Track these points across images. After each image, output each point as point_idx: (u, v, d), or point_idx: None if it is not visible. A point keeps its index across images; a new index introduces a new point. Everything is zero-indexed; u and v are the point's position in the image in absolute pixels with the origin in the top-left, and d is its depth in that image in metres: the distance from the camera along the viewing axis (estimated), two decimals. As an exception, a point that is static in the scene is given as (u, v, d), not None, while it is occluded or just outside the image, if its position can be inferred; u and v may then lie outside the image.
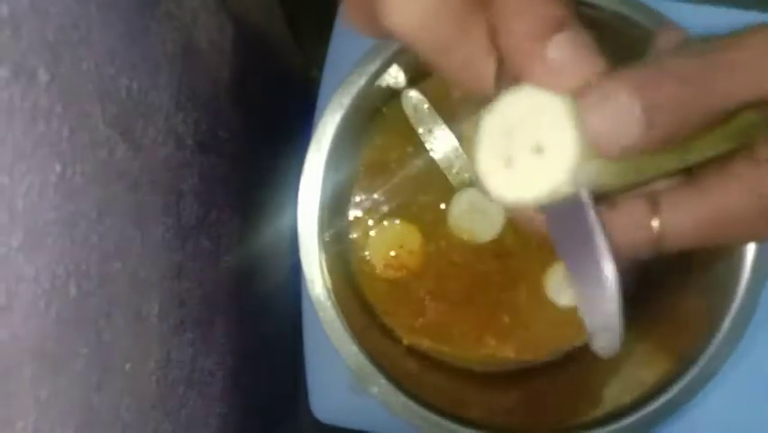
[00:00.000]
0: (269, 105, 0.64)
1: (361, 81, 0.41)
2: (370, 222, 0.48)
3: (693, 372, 0.40)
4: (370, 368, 0.41)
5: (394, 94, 0.46)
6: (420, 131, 0.47)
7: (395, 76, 0.44)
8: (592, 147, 0.20)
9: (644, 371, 0.43)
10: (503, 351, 0.48)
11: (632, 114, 0.19)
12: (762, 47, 0.20)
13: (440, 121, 0.46)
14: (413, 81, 0.46)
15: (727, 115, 0.20)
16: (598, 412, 0.42)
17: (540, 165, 0.21)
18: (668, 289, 0.46)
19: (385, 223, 0.48)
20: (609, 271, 0.21)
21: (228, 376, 0.49)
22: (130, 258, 0.34)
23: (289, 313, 0.52)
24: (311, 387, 0.50)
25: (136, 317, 0.34)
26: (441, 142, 0.47)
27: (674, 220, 0.22)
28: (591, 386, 0.46)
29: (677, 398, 0.40)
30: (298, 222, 0.41)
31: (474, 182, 0.47)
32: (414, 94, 0.46)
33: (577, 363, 0.48)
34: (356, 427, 0.51)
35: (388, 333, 0.48)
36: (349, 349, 0.41)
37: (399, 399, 0.41)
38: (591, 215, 0.21)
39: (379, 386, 0.41)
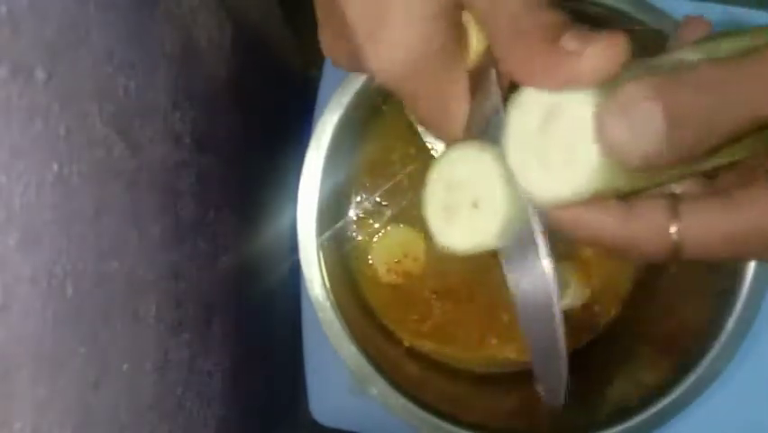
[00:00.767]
0: (269, 104, 0.64)
1: (360, 80, 0.40)
2: (372, 223, 0.48)
3: (696, 373, 0.40)
4: (369, 369, 0.41)
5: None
6: (421, 130, 0.46)
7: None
8: (612, 156, 0.19)
9: (646, 372, 0.43)
10: (504, 351, 0.48)
11: (654, 122, 0.19)
12: None
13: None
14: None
15: (752, 129, 0.19)
16: (601, 414, 0.42)
17: (568, 167, 0.20)
18: (671, 290, 0.46)
19: (388, 228, 0.48)
20: (563, 349, 0.22)
21: (226, 377, 0.49)
22: (127, 258, 0.33)
23: (289, 314, 0.52)
24: (310, 389, 0.49)
25: (133, 317, 0.34)
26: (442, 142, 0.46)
27: (695, 232, 0.21)
28: (594, 388, 0.46)
29: (680, 399, 0.40)
30: (298, 222, 0.41)
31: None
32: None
33: (578, 364, 0.48)
34: (355, 429, 0.51)
35: (387, 334, 0.48)
36: (348, 350, 0.41)
37: (399, 400, 0.41)
38: (552, 285, 0.21)
39: (379, 387, 0.41)
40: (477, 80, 0.24)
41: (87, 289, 0.29)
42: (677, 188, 0.23)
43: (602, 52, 0.19)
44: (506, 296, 0.48)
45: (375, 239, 0.48)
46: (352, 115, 0.41)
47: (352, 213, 0.48)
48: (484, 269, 0.48)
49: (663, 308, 0.46)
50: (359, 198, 0.48)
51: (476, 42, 0.24)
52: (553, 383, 0.23)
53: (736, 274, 0.39)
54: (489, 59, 0.23)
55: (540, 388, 0.24)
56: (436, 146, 0.46)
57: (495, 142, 0.22)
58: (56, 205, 0.26)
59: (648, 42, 0.40)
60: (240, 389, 0.53)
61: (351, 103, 0.41)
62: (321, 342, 0.42)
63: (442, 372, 0.48)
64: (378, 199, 0.48)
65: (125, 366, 0.33)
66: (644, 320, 0.46)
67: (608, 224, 0.22)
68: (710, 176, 0.23)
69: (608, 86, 0.19)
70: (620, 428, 0.40)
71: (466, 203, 0.22)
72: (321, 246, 0.41)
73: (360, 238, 0.48)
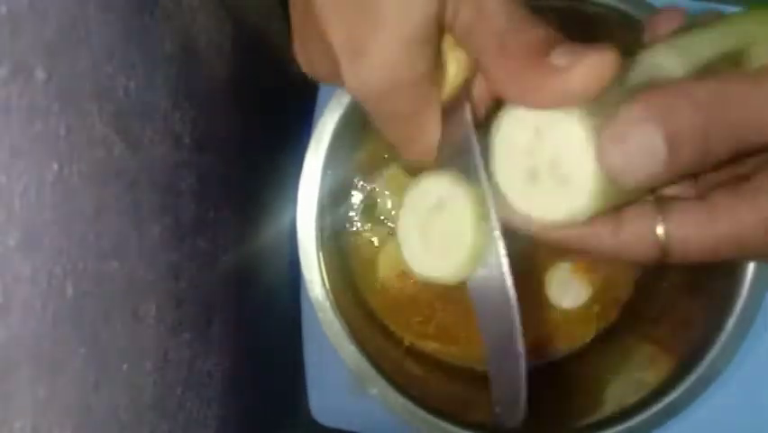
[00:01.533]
0: (268, 104, 0.64)
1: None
2: (372, 223, 0.48)
3: (696, 373, 0.40)
4: (369, 369, 0.41)
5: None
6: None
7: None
8: (611, 179, 0.19)
9: (646, 372, 0.43)
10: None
11: (654, 146, 0.18)
12: None
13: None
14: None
15: (753, 150, 0.20)
16: (601, 414, 0.42)
17: (562, 192, 0.20)
18: (671, 290, 0.46)
19: (390, 233, 0.48)
20: (521, 357, 0.21)
21: (226, 377, 0.49)
22: (127, 258, 0.33)
23: (289, 314, 0.52)
24: (310, 389, 0.49)
25: (133, 317, 0.34)
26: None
27: (681, 235, 0.21)
28: (593, 388, 0.46)
29: (680, 399, 0.40)
30: (297, 222, 0.41)
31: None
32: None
33: (578, 364, 0.48)
34: (355, 429, 0.51)
35: (387, 334, 0.48)
36: (348, 350, 0.41)
37: (399, 400, 0.41)
38: (512, 296, 0.22)
39: (379, 387, 0.41)
40: (447, 110, 0.24)
41: (87, 289, 0.29)
42: (667, 191, 0.23)
43: (592, 68, 0.19)
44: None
45: (376, 242, 0.48)
46: (351, 115, 0.41)
47: (352, 214, 0.48)
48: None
49: (663, 309, 0.46)
50: (360, 198, 0.48)
51: (453, 74, 0.24)
52: (511, 397, 0.22)
53: (735, 274, 0.39)
54: (464, 90, 0.24)
55: (497, 408, 0.23)
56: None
57: (465, 171, 0.22)
58: (56, 205, 0.26)
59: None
60: (240, 389, 0.53)
61: (351, 103, 0.41)
62: (321, 342, 0.41)
63: (442, 371, 0.48)
64: (378, 200, 0.48)
65: (125, 366, 0.33)
66: (644, 320, 0.46)
67: (598, 236, 0.22)
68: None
69: (597, 101, 0.19)
70: (620, 427, 0.40)
71: (439, 231, 0.23)
72: (321, 247, 0.41)
73: (360, 239, 0.48)
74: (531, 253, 0.47)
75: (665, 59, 0.20)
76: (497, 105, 0.23)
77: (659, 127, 0.18)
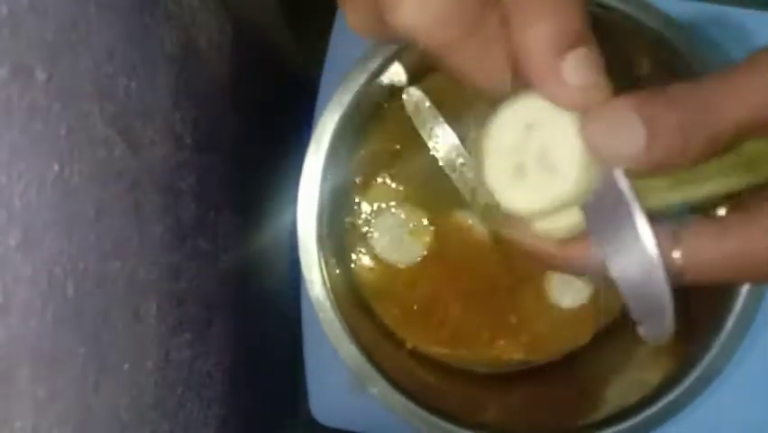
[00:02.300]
0: (269, 104, 0.64)
1: (360, 80, 0.40)
2: (372, 225, 0.48)
3: (696, 373, 0.39)
4: (369, 368, 0.41)
5: (395, 92, 0.46)
6: (422, 129, 0.46)
7: (396, 73, 0.43)
8: (593, 156, 0.20)
9: (646, 372, 0.43)
10: (511, 352, 0.48)
11: (633, 125, 0.20)
12: (764, 69, 0.20)
13: (441, 119, 0.46)
14: (414, 79, 0.46)
15: (735, 141, 0.21)
16: (601, 414, 0.42)
17: (547, 177, 0.21)
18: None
19: (390, 238, 0.48)
20: (649, 239, 0.21)
21: (227, 377, 0.49)
22: (128, 258, 0.33)
23: (289, 313, 0.52)
24: (311, 389, 0.49)
25: (134, 317, 0.34)
26: (443, 141, 0.46)
27: (695, 257, 0.22)
28: (594, 388, 0.46)
29: (680, 399, 0.40)
30: (298, 222, 0.41)
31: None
32: (415, 92, 0.46)
33: (579, 364, 0.48)
34: (355, 429, 0.51)
35: (388, 334, 0.48)
36: (348, 350, 0.41)
37: (399, 400, 0.41)
38: (625, 186, 0.21)
39: (379, 387, 0.41)
40: None
41: (88, 289, 0.29)
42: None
43: (590, 95, 0.20)
44: (512, 299, 0.48)
45: (379, 250, 0.48)
46: (352, 115, 0.41)
47: (353, 214, 0.48)
48: (492, 270, 0.48)
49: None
50: (360, 199, 0.48)
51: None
52: (657, 309, 0.22)
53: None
54: None
55: (641, 328, 0.23)
56: (437, 145, 0.47)
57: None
58: (56, 205, 0.26)
59: (645, 41, 0.40)
60: (240, 389, 0.53)
61: (351, 103, 0.41)
62: (321, 342, 0.41)
63: (442, 371, 0.48)
64: (379, 201, 0.48)
65: (126, 366, 0.33)
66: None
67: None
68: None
69: None
70: (620, 427, 0.40)
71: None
72: (321, 247, 0.41)
73: (362, 244, 0.48)
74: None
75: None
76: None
77: (638, 111, 0.20)
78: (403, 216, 0.48)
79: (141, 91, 0.34)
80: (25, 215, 0.24)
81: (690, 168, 0.21)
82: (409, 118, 0.46)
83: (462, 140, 0.46)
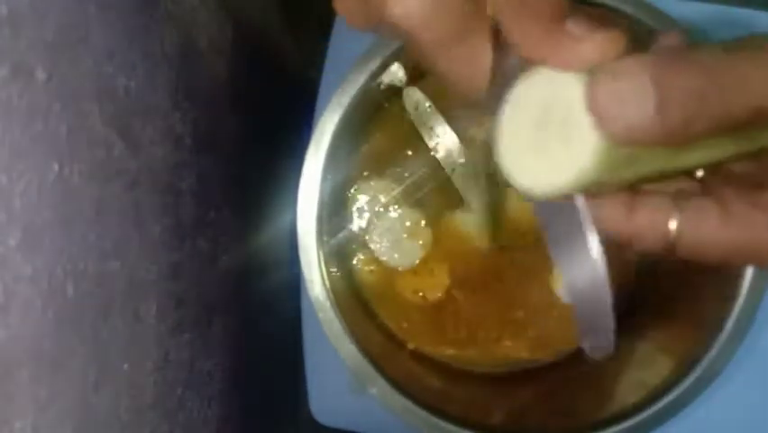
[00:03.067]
0: (268, 104, 0.64)
1: (360, 80, 0.40)
2: (373, 224, 0.48)
3: (696, 372, 0.40)
4: (369, 368, 0.41)
5: (394, 92, 0.46)
6: (422, 129, 0.46)
7: (395, 74, 0.43)
8: (599, 125, 0.19)
9: (647, 372, 0.43)
10: (518, 351, 0.48)
11: (643, 90, 0.18)
12: None
13: (441, 119, 0.46)
14: (414, 79, 0.46)
15: (746, 120, 0.19)
16: (602, 413, 0.42)
17: (566, 152, 0.20)
18: (670, 289, 0.46)
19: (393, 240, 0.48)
20: (598, 255, 0.21)
21: (227, 377, 0.49)
22: (128, 258, 0.33)
23: (289, 313, 0.52)
24: (311, 389, 0.49)
25: (134, 317, 0.34)
26: (443, 141, 0.46)
27: (692, 232, 0.22)
28: (595, 387, 0.46)
29: (680, 399, 0.40)
30: (297, 221, 0.41)
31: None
32: (415, 92, 0.46)
33: (580, 364, 0.48)
34: (355, 429, 0.51)
35: (388, 334, 0.48)
36: (348, 350, 0.41)
37: (399, 400, 0.41)
38: (580, 202, 0.21)
39: (379, 387, 0.41)
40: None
41: (88, 289, 0.29)
42: (684, 186, 0.23)
43: (602, 42, 0.19)
44: (518, 295, 0.48)
45: (378, 252, 0.48)
46: (352, 115, 0.41)
47: (353, 215, 0.48)
48: (494, 268, 0.48)
49: (663, 309, 0.46)
50: (360, 198, 0.48)
51: None
52: (600, 326, 0.22)
53: (736, 274, 0.39)
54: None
55: (586, 342, 0.23)
56: (437, 145, 0.47)
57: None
58: (56, 205, 0.26)
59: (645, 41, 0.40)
60: (240, 389, 0.53)
61: (351, 103, 0.41)
62: (321, 342, 0.41)
63: (442, 372, 0.48)
64: (379, 201, 0.48)
65: (126, 366, 0.33)
66: (645, 320, 0.46)
67: (612, 218, 0.22)
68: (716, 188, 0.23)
69: None
70: (620, 427, 0.40)
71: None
72: (321, 247, 0.41)
73: (362, 247, 0.48)
74: (537, 251, 0.47)
75: None
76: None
77: (648, 70, 0.18)
78: (402, 217, 0.47)
79: (140, 91, 0.34)
80: (25, 215, 0.24)
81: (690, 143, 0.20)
82: (409, 118, 0.46)
83: (462, 140, 0.46)
